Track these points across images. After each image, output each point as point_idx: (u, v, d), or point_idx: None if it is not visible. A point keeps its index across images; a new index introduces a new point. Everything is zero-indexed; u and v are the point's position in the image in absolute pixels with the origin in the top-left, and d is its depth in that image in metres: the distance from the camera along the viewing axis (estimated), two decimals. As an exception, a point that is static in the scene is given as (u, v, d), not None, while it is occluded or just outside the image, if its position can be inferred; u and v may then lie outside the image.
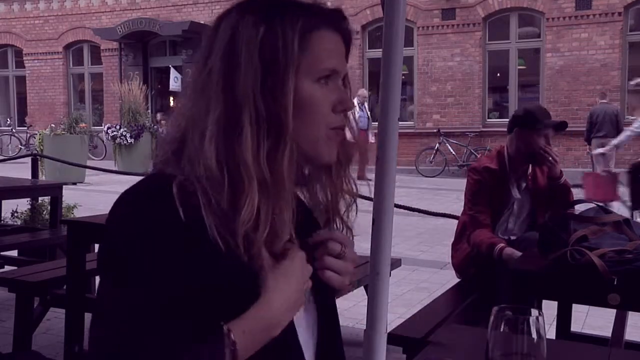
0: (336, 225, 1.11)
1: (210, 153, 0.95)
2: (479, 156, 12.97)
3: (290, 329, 1.01)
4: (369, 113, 13.94)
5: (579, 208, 2.87)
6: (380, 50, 1.11)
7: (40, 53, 20.20)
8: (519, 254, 2.88)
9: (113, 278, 0.93)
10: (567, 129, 3.29)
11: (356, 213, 1.12)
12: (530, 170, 3.29)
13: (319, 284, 1.06)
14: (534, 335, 0.99)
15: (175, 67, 17.60)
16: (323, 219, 1.12)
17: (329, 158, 1.04)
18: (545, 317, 1.01)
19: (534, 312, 0.99)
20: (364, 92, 14.41)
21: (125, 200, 0.97)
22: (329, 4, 1.05)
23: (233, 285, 0.95)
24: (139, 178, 1.02)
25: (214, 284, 0.94)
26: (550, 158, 3.13)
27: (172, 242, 0.92)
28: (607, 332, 3.19)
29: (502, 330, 0.99)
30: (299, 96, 0.97)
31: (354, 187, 1.10)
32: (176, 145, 1.01)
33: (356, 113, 12.93)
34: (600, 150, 10.10)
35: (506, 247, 3.01)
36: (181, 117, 1.02)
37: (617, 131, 11.18)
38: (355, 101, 13.25)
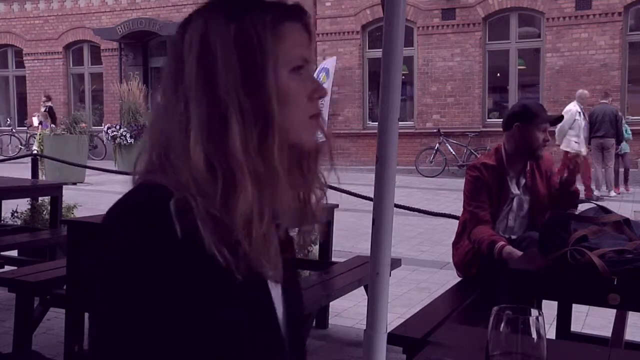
0: (307, 217, 1.11)
1: (197, 156, 0.95)
2: (479, 156, 12.96)
3: (270, 305, 1.03)
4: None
5: (578, 208, 2.87)
6: (380, 50, 1.11)
7: (40, 53, 20.20)
8: (519, 252, 2.88)
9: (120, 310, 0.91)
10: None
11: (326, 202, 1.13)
12: (528, 167, 3.29)
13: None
14: (534, 335, 0.99)
15: (175, 67, 17.58)
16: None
17: (310, 144, 1.06)
18: (545, 317, 1.01)
19: (534, 312, 0.99)
20: (585, 94, 11.15)
21: (119, 218, 0.95)
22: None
23: (227, 300, 0.96)
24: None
25: (212, 300, 0.94)
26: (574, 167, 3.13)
27: (170, 263, 0.92)
28: (607, 332, 3.19)
29: (502, 330, 0.99)
30: (277, 87, 1.00)
31: (323, 179, 1.11)
32: (159, 150, 1.00)
33: (581, 121, 10.94)
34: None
35: (506, 245, 3.01)
36: (160, 123, 1.02)
37: (616, 131, 11.20)
38: (576, 106, 11.08)
